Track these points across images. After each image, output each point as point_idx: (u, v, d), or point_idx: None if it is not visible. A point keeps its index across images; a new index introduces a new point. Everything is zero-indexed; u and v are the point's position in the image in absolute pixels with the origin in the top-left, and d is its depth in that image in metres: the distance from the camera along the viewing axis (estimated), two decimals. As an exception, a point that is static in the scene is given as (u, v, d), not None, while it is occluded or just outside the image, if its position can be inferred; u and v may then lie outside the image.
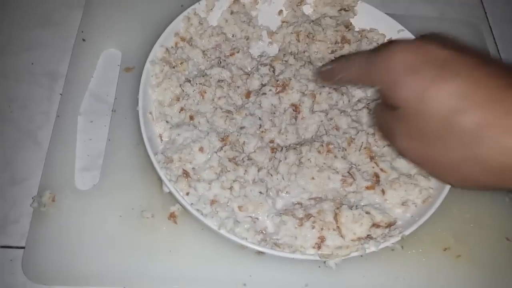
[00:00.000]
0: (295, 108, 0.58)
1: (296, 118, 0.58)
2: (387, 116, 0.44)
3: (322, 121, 0.58)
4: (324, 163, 0.55)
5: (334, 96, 0.60)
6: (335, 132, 0.58)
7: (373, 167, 0.56)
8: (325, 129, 0.58)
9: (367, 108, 0.59)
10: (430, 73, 0.39)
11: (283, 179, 0.54)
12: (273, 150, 0.55)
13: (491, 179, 0.39)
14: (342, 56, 0.56)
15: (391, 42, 0.44)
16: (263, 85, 0.60)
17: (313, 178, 0.54)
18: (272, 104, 0.58)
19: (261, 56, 0.65)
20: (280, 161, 0.54)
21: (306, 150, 0.55)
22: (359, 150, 0.56)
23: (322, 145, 0.55)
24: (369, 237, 0.51)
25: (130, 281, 0.51)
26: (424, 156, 0.42)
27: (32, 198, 0.53)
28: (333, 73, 0.51)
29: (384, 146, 0.57)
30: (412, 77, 0.39)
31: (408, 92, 0.40)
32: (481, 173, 0.39)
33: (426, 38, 0.42)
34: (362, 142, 0.56)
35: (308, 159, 0.54)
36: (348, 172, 0.55)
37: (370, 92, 0.62)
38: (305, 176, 0.54)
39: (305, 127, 0.58)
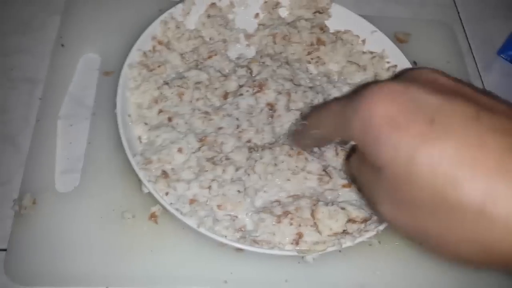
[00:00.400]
0: (271, 107, 0.60)
1: (272, 116, 0.59)
2: (368, 174, 0.36)
3: (297, 119, 0.59)
4: (297, 166, 0.55)
5: (309, 94, 0.61)
6: None
7: None
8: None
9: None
10: (419, 129, 0.30)
11: (260, 178, 0.55)
12: (250, 150, 0.56)
13: (498, 264, 0.30)
14: (315, 107, 0.51)
15: (368, 86, 0.34)
16: (240, 86, 0.61)
17: (288, 180, 0.55)
18: (249, 105, 0.59)
19: (238, 58, 0.66)
20: (256, 160, 0.55)
21: (278, 152, 0.56)
22: (336, 155, 0.57)
23: (292, 149, 0.56)
24: (345, 232, 0.52)
25: (112, 281, 0.51)
26: (415, 230, 0.33)
27: (13, 201, 0.53)
28: (306, 130, 0.46)
29: None
30: (397, 134, 0.31)
31: (393, 153, 0.31)
32: (486, 257, 0.30)
33: (409, 78, 0.34)
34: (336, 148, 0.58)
35: (282, 162, 0.55)
36: (324, 170, 0.56)
37: (345, 90, 0.63)
38: (281, 177, 0.55)
39: (281, 125, 0.59)
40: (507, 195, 0.27)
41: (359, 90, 0.35)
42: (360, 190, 0.39)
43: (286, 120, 0.59)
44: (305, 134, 0.48)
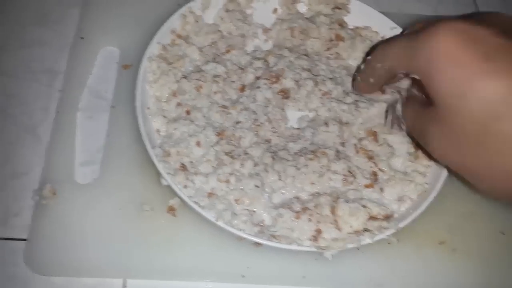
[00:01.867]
0: (284, 93, 0.60)
1: (283, 107, 0.60)
2: (421, 115, 0.40)
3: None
4: (323, 166, 0.56)
5: (328, 84, 0.61)
6: (324, 129, 0.59)
7: (371, 167, 0.57)
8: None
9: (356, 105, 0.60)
10: (477, 65, 0.34)
11: (280, 179, 0.55)
12: (271, 153, 0.56)
13: None
14: (380, 43, 0.49)
15: (435, 23, 0.38)
16: (257, 78, 0.61)
17: (313, 183, 0.55)
18: (266, 98, 0.59)
19: (254, 51, 0.66)
20: (273, 159, 0.55)
21: (299, 160, 0.56)
22: (357, 153, 0.57)
23: (315, 153, 0.56)
24: (365, 230, 0.52)
25: (130, 273, 0.52)
26: (464, 163, 0.38)
27: (33, 191, 0.54)
28: (371, 65, 0.47)
29: (379, 145, 0.58)
30: (454, 69, 0.35)
31: (448, 85, 0.35)
32: None
33: (476, 19, 0.37)
34: (355, 144, 0.58)
35: (305, 166, 0.55)
36: (349, 171, 0.56)
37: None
38: (304, 181, 0.55)
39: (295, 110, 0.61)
40: None
41: (426, 26, 0.38)
42: (416, 136, 0.44)
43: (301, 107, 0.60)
44: (369, 71, 0.49)
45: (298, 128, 0.60)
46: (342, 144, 0.58)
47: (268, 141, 0.58)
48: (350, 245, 0.50)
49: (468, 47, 0.35)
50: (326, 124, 0.59)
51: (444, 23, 0.37)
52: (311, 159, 0.55)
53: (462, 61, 0.35)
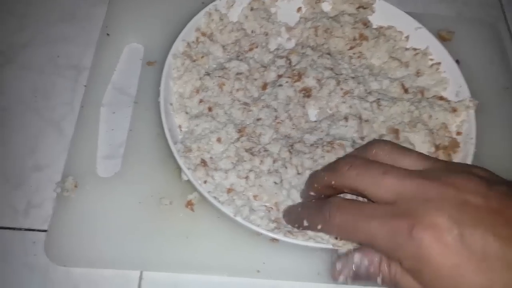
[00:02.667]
0: (306, 91, 0.60)
1: (304, 105, 0.60)
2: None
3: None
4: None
5: (350, 83, 0.61)
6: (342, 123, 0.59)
7: None
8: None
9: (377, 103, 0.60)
10: (470, 267, 0.35)
11: (298, 173, 0.54)
12: (288, 146, 0.56)
13: None
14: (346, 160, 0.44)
15: (416, 220, 0.36)
16: (279, 77, 0.61)
17: None
18: (287, 96, 0.59)
19: (277, 49, 0.66)
20: (290, 152, 0.55)
21: (316, 151, 0.55)
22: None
23: (331, 144, 0.56)
24: None
25: (148, 265, 0.52)
26: None
27: (56, 183, 0.55)
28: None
29: (400, 143, 0.57)
30: (447, 271, 0.36)
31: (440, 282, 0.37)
32: None
33: (454, 199, 0.37)
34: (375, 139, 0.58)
35: (322, 157, 0.55)
36: None
37: (385, 84, 0.63)
38: None
39: (317, 108, 0.61)
40: None
41: (409, 213, 0.37)
42: None
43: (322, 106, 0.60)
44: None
45: (315, 121, 0.60)
46: (362, 138, 0.58)
47: (287, 136, 0.58)
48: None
49: (459, 247, 0.35)
50: (345, 119, 0.58)
51: (428, 226, 0.36)
52: (328, 151, 0.55)
53: (455, 264, 0.35)
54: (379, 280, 0.42)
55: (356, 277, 0.43)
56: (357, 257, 0.43)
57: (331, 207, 0.43)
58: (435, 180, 0.38)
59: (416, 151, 0.45)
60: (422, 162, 0.42)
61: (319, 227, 0.45)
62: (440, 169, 0.40)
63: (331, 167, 0.45)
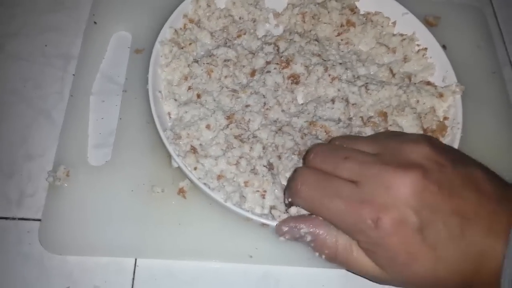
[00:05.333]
0: (294, 78, 0.60)
1: (293, 91, 0.61)
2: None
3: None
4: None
5: (337, 69, 0.61)
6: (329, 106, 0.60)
7: None
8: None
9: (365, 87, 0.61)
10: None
11: (287, 159, 0.55)
12: (278, 130, 0.57)
13: None
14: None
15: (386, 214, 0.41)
16: (267, 63, 0.62)
17: None
18: (276, 82, 0.60)
19: (265, 36, 0.66)
20: (279, 135, 0.56)
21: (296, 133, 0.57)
22: (364, 125, 0.58)
23: (314, 125, 0.57)
24: None
25: (141, 253, 0.53)
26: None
27: (48, 172, 0.55)
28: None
29: (389, 125, 0.58)
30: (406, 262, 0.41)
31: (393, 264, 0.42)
32: None
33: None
34: (362, 117, 0.59)
35: (302, 138, 0.57)
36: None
37: (373, 70, 0.64)
38: None
39: (304, 95, 0.62)
40: None
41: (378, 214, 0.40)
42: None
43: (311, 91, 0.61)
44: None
45: (302, 104, 0.61)
46: (349, 119, 0.59)
47: (275, 121, 0.59)
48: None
49: (417, 238, 0.40)
50: (332, 101, 0.59)
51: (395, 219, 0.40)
52: (309, 133, 0.57)
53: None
54: (318, 255, 0.46)
55: (298, 241, 0.47)
56: (304, 229, 0.46)
57: (297, 181, 0.46)
58: (391, 164, 0.41)
59: (362, 137, 0.50)
60: (373, 146, 0.45)
61: (288, 200, 0.48)
62: (393, 151, 0.43)
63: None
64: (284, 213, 0.51)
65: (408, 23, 0.66)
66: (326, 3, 0.67)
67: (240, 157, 0.54)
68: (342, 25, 0.66)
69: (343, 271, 0.53)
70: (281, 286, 0.53)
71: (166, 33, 0.61)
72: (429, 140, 0.44)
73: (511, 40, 0.75)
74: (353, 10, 0.67)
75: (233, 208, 0.50)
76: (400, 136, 0.47)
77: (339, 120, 0.58)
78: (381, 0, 0.67)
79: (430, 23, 0.71)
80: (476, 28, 0.74)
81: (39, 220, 0.53)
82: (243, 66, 0.62)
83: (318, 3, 0.67)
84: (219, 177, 0.53)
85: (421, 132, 0.58)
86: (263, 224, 0.51)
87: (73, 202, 0.54)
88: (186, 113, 0.57)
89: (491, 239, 0.39)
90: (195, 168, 0.53)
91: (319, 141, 0.56)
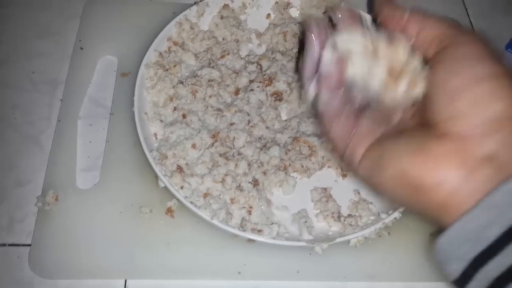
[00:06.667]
0: (277, 95, 0.62)
1: (277, 108, 0.62)
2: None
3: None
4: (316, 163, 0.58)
5: None
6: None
7: None
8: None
9: None
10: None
11: (273, 174, 0.57)
12: (262, 147, 0.58)
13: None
14: None
15: None
16: (251, 82, 0.63)
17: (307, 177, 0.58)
18: (259, 100, 0.61)
19: (248, 55, 0.68)
20: (267, 156, 0.57)
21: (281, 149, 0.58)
22: None
23: (297, 141, 0.59)
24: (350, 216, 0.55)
25: (131, 274, 0.53)
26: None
27: (37, 198, 0.56)
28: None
29: None
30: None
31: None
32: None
33: None
34: None
35: (286, 154, 0.58)
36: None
37: None
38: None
39: (288, 111, 0.63)
40: None
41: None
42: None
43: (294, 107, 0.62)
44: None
45: (285, 120, 0.62)
46: None
47: (260, 138, 0.60)
48: (340, 239, 0.52)
49: None
50: (315, 116, 0.60)
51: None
52: (293, 148, 0.58)
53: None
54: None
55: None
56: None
57: None
58: None
59: None
60: None
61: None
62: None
63: None
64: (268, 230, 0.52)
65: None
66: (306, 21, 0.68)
67: (226, 175, 0.55)
68: (322, 43, 0.68)
69: (332, 285, 0.53)
70: (270, 301, 0.54)
71: (151, 56, 0.63)
72: None
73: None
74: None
75: (219, 225, 0.51)
76: None
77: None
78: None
79: (409, 36, 0.73)
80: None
81: (29, 245, 0.54)
82: (227, 85, 0.63)
83: (299, 23, 0.69)
84: (205, 195, 0.54)
85: None
86: (250, 240, 0.51)
87: (62, 226, 0.54)
88: (172, 133, 0.58)
89: None
90: (182, 187, 0.54)
91: (303, 157, 0.57)
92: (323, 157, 0.59)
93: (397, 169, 0.36)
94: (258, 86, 0.62)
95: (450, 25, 0.40)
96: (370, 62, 0.38)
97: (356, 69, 0.38)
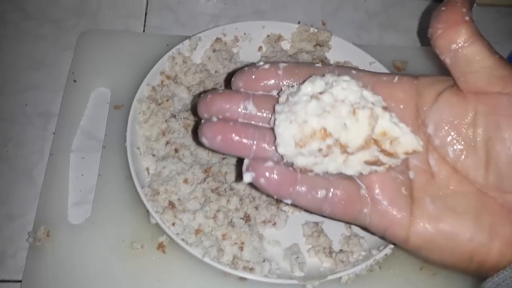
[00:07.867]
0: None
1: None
2: None
3: None
4: None
5: None
6: None
7: None
8: None
9: None
10: None
11: (266, 210, 0.57)
12: None
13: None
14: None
15: None
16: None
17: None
18: None
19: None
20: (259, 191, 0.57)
21: None
22: None
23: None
24: (341, 251, 0.55)
25: (122, 309, 0.53)
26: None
27: (28, 233, 0.56)
28: None
29: None
30: None
31: None
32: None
33: None
34: None
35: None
36: None
37: None
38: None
39: None
40: None
41: None
42: None
43: None
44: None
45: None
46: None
47: None
48: (332, 277, 0.52)
49: None
50: None
51: None
52: None
53: None
54: None
55: None
56: None
57: None
58: None
59: None
60: None
61: None
62: None
63: None
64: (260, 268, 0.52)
65: (375, 71, 0.68)
66: (298, 54, 0.69)
67: (218, 211, 0.55)
68: (313, 75, 0.68)
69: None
70: (262, 338, 0.54)
71: (144, 90, 0.63)
72: None
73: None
74: (323, 60, 0.70)
75: (211, 263, 0.51)
76: None
77: None
78: (350, 50, 0.70)
79: (398, 68, 0.74)
80: (442, 69, 0.76)
81: (19, 281, 0.54)
82: (220, 119, 0.63)
83: (290, 55, 0.70)
84: (197, 231, 0.54)
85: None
86: (241, 278, 0.52)
87: (53, 262, 0.54)
88: (164, 168, 0.58)
89: None
90: (173, 224, 0.54)
91: None
92: None
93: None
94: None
95: None
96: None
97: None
